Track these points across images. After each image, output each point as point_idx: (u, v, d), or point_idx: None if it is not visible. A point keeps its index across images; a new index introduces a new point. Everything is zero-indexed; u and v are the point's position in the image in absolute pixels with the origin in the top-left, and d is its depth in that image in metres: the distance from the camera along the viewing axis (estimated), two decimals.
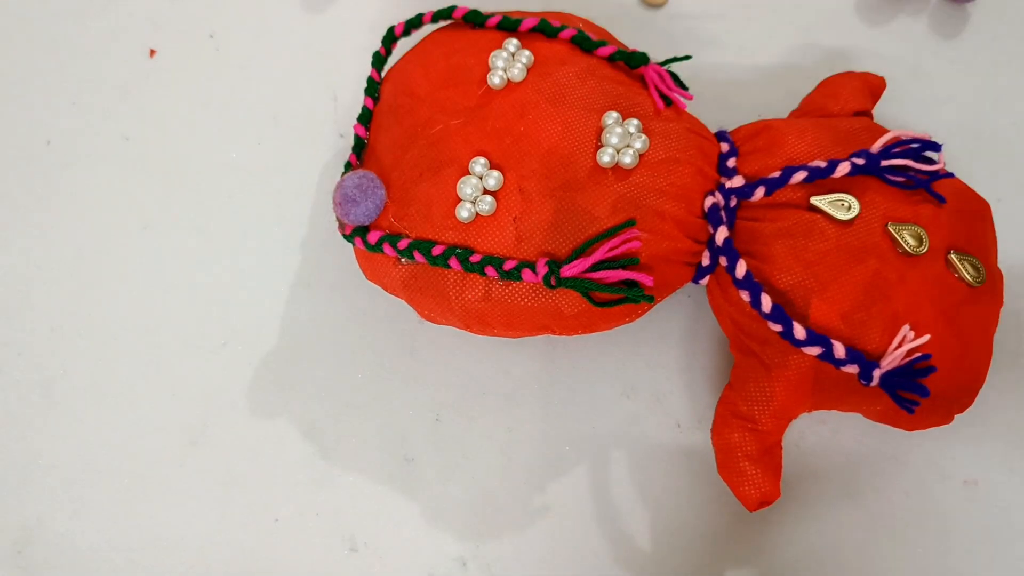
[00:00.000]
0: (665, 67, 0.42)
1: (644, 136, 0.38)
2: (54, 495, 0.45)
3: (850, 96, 0.43)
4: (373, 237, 0.39)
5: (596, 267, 0.37)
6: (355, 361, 0.46)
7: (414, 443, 0.45)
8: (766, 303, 0.38)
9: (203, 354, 0.47)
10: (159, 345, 0.47)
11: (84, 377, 0.47)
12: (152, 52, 0.53)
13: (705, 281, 0.41)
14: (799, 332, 0.37)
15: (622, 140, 0.38)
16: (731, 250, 0.39)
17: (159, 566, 0.44)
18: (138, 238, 0.49)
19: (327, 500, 0.45)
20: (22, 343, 0.48)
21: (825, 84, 0.44)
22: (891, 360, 0.37)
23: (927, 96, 0.50)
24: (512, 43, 0.40)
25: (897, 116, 0.49)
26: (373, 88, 0.43)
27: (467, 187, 0.38)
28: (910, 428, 0.40)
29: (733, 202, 0.40)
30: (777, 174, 0.39)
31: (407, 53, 0.44)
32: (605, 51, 0.41)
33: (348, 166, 0.42)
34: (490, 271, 0.37)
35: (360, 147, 0.43)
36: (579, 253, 0.37)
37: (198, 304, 0.48)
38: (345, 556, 0.44)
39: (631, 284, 0.37)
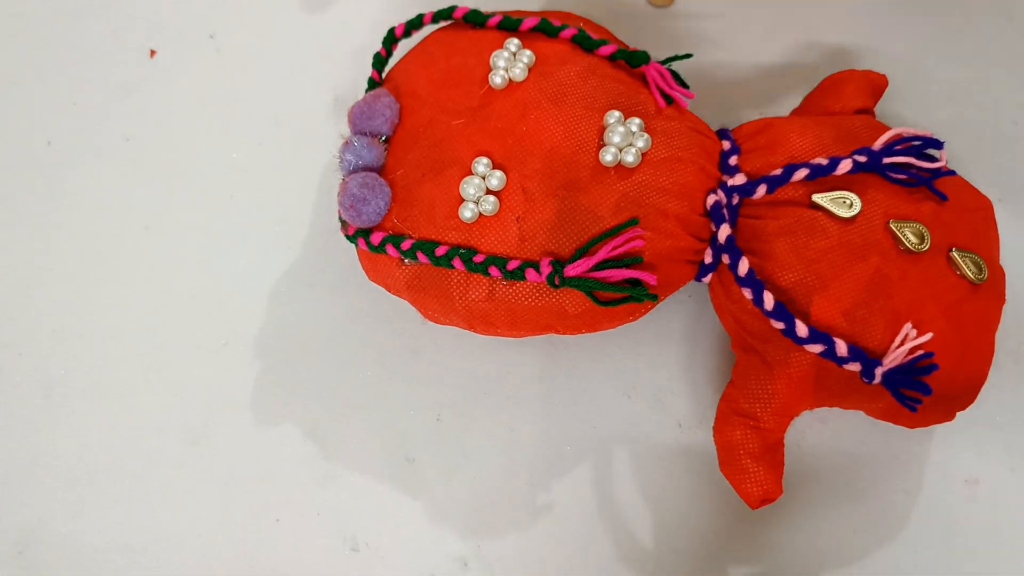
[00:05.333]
0: (666, 66, 0.42)
1: (646, 135, 0.38)
2: (54, 495, 0.45)
3: (852, 94, 0.43)
4: (376, 238, 0.39)
5: (600, 266, 0.37)
6: (356, 361, 0.46)
7: (415, 443, 0.45)
8: (768, 301, 0.38)
9: (203, 354, 0.47)
10: (159, 345, 0.47)
11: (84, 377, 0.47)
12: (152, 52, 0.53)
13: (707, 279, 0.41)
14: (801, 330, 0.37)
15: (624, 139, 0.38)
16: (733, 248, 0.39)
17: (159, 566, 0.44)
18: (139, 238, 0.49)
19: (328, 500, 0.44)
20: (23, 344, 0.47)
21: (827, 82, 0.44)
22: (893, 358, 0.37)
23: (928, 94, 0.50)
24: (513, 43, 0.40)
25: (899, 114, 0.49)
26: (374, 89, 0.43)
27: (470, 187, 0.38)
28: (912, 426, 0.40)
29: (735, 200, 0.40)
30: (779, 172, 0.39)
31: (408, 53, 0.44)
32: (606, 50, 0.41)
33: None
34: (494, 271, 0.37)
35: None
36: (583, 252, 0.37)
37: (198, 304, 0.48)
38: (346, 556, 0.44)
39: (635, 283, 0.37)
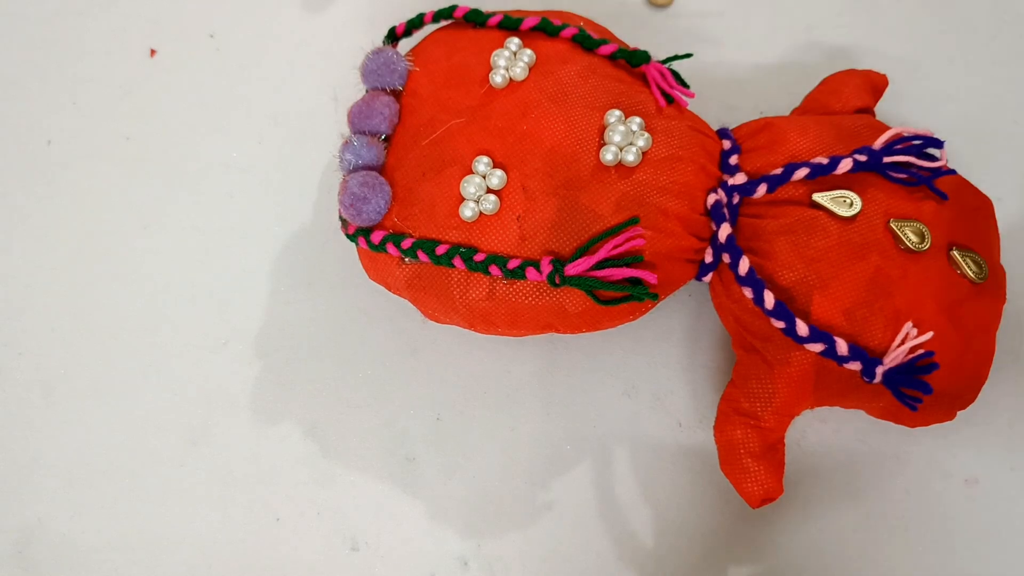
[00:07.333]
0: (666, 65, 0.42)
1: (647, 134, 0.38)
2: (54, 495, 0.45)
3: (852, 93, 0.43)
4: (377, 237, 0.39)
5: (600, 265, 0.37)
6: (356, 360, 0.46)
7: (415, 442, 0.45)
8: (769, 300, 0.38)
9: (203, 354, 0.47)
10: (159, 345, 0.47)
11: (84, 377, 0.47)
12: (152, 52, 0.53)
13: (708, 278, 0.41)
14: (802, 329, 0.37)
15: (625, 138, 0.38)
16: (734, 247, 0.39)
17: (159, 566, 0.44)
18: (138, 238, 0.49)
19: (328, 499, 0.44)
20: (22, 343, 0.47)
21: (827, 82, 0.44)
22: (894, 357, 0.37)
23: (928, 94, 0.50)
24: (514, 42, 0.40)
25: (899, 114, 0.49)
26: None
27: (470, 186, 0.38)
28: (912, 425, 0.40)
29: (736, 199, 0.40)
30: (779, 171, 0.39)
31: (408, 53, 0.44)
32: (606, 49, 0.41)
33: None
34: (494, 270, 0.37)
35: None
36: (583, 251, 0.37)
37: (198, 304, 0.48)
38: (346, 555, 0.44)
39: (635, 282, 0.37)
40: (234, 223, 0.49)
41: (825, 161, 0.39)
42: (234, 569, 0.44)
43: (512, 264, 0.37)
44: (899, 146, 0.39)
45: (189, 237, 0.49)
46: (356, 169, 0.40)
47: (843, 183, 0.39)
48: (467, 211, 0.38)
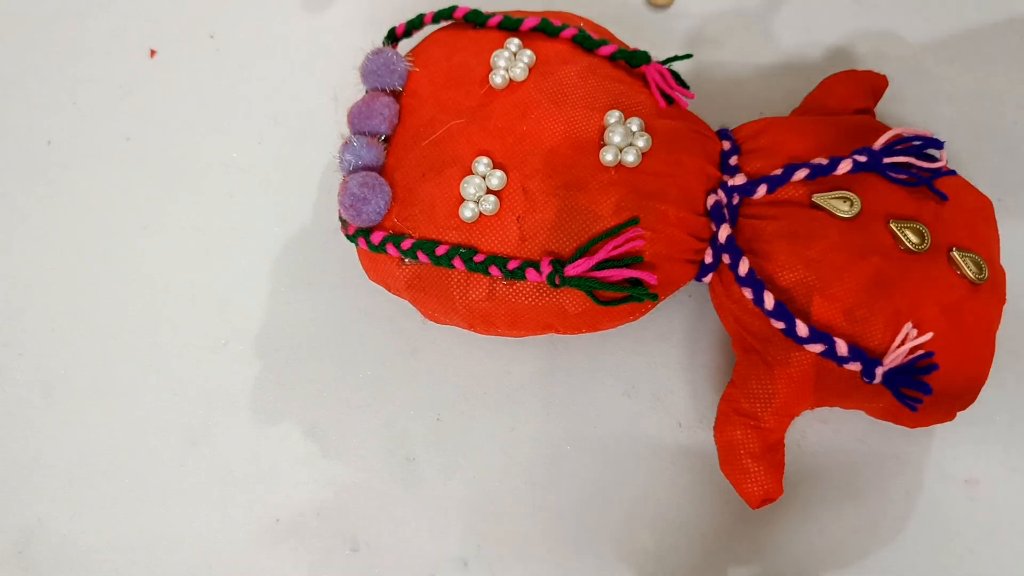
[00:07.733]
0: (666, 66, 0.42)
1: (646, 135, 0.38)
2: (54, 495, 0.45)
3: (852, 94, 0.43)
4: (376, 237, 0.39)
5: (600, 266, 0.37)
6: (356, 361, 0.46)
7: (415, 443, 0.45)
8: (768, 300, 0.38)
9: (203, 354, 0.47)
10: (159, 345, 0.47)
11: (84, 377, 0.47)
12: (152, 52, 0.53)
13: (708, 279, 0.41)
14: (801, 329, 0.37)
15: (625, 139, 0.38)
16: (734, 247, 0.39)
17: (159, 566, 0.44)
18: (138, 238, 0.49)
19: (328, 500, 0.44)
20: (22, 343, 0.47)
21: (827, 82, 0.44)
22: (894, 357, 0.37)
23: (928, 94, 0.50)
24: (514, 43, 0.40)
25: (899, 114, 0.49)
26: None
27: (470, 187, 0.38)
28: (912, 425, 0.40)
29: (735, 200, 0.40)
30: (779, 171, 0.39)
31: (408, 53, 0.44)
32: (606, 50, 0.41)
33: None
34: (494, 271, 0.37)
35: None
36: (583, 252, 0.37)
37: (198, 304, 0.48)
38: (346, 556, 0.44)
39: (635, 282, 0.37)
40: (234, 223, 0.49)
41: (825, 162, 0.39)
42: (234, 569, 0.44)
43: (512, 265, 0.37)
44: (899, 147, 0.39)
45: (189, 237, 0.49)
46: (356, 170, 0.40)
47: (843, 184, 0.39)
48: (467, 212, 0.38)
